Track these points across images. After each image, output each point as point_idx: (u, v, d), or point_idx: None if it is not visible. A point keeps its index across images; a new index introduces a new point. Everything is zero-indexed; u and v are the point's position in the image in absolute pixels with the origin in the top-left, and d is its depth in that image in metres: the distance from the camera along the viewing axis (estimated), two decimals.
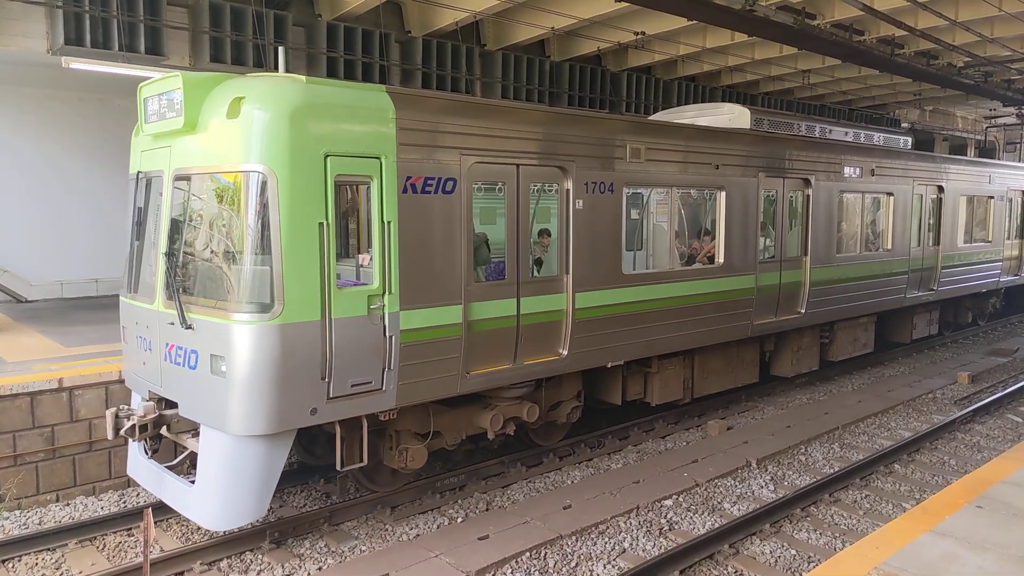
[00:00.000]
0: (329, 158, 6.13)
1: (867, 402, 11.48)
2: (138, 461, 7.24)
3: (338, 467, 6.67)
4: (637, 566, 6.13)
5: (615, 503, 7.55)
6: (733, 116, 11.17)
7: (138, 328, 7.05)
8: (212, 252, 6.56)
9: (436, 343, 6.88)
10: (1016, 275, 18.05)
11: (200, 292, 6.49)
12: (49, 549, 6.78)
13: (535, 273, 7.97)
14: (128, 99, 15.54)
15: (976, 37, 15.16)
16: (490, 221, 7.98)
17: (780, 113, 11.98)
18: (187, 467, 7.14)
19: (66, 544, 6.85)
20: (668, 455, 9.13)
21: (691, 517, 7.43)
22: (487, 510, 7.60)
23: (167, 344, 6.57)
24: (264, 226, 5.98)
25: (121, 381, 8.23)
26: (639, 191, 9.32)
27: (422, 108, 6.84)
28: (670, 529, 7.17)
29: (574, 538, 6.88)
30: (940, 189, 14.59)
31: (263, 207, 5.95)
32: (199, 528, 7.23)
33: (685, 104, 19.35)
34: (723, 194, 9.94)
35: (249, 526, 6.95)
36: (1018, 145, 33.34)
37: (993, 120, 30.76)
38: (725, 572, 6.45)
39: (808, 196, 11.36)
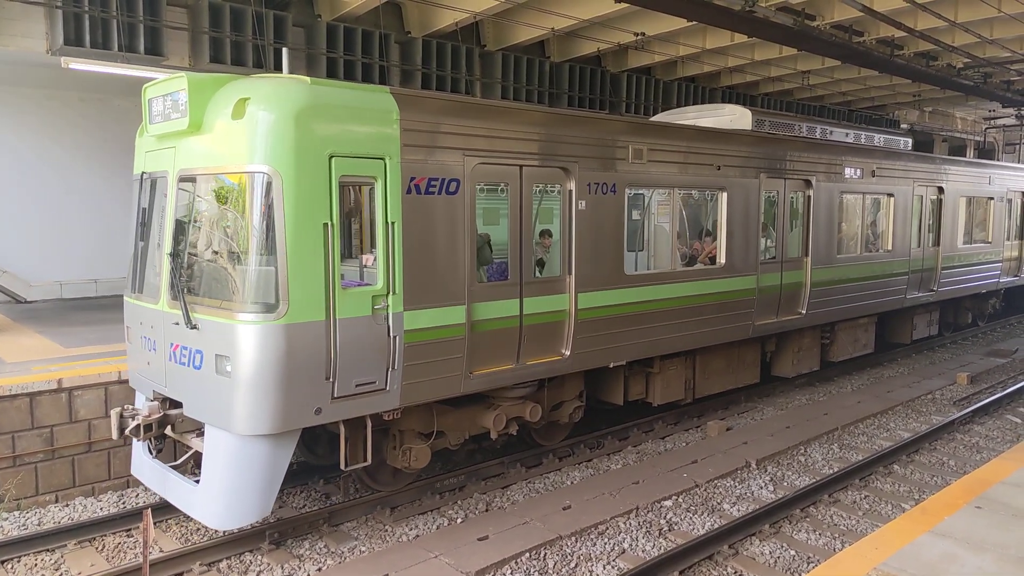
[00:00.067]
0: (333, 159, 6.15)
1: (866, 403, 11.48)
2: (142, 461, 7.26)
3: (342, 467, 6.69)
4: (637, 567, 6.13)
5: (615, 504, 7.55)
6: (734, 117, 11.20)
7: (142, 328, 7.08)
8: (217, 252, 6.58)
9: (440, 343, 6.90)
10: (1016, 276, 18.07)
11: (205, 292, 6.52)
12: (48, 550, 6.78)
13: (537, 274, 7.99)
14: (128, 99, 15.71)
15: (975, 38, 15.17)
16: (492, 222, 7.99)
17: (781, 114, 12.00)
18: (191, 467, 7.15)
19: (65, 545, 6.84)
20: (668, 456, 9.13)
21: (691, 518, 7.43)
22: (487, 511, 7.60)
23: (172, 344, 6.60)
24: (269, 226, 6.00)
25: (120, 382, 8.24)
26: (641, 192, 9.35)
27: (426, 109, 6.86)
28: (670, 530, 7.18)
29: (574, 539, 6.88)
30: (940, 190, 14.61)
31: (268, 207, 5.98)
32: (198, 529, 7.23)
33: (685, 105, 19.41)
34: (725, 195, 9.96)
35: (249, 527, 6.96)
36: (1017, 146, 33.38)
37: (992, 121, 30.79)
38: (725, 572, 6.45)
39: (809, 197, 11.37)
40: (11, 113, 14.62)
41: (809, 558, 6.66)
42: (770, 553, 6.74)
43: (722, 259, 10.01)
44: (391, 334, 6.55)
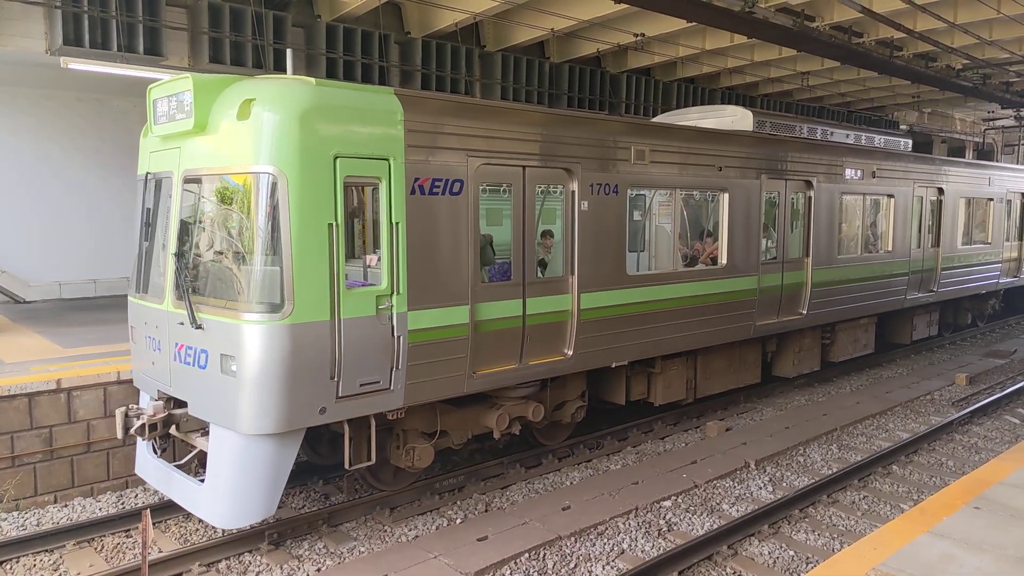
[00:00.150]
0: (338, 159, 6.17)
1: (865, 403, 11.49)
2: (146, 460, 7.28)
3: (347, 466, 6.71)
4: (636, 567, 6.13)
5: (614, 504, 7.55)
6: (736, 118, 11.23)
7: (147, 328, 7.10)
8: (222, 252, 6.61)
9: (443, 343, 6.93)
10: (1015, 276, 18.09)
11: (210, 292, 6.54)
12: (47, 550, 6.77)
13: (539, 274, 8.01)
14: (126, 99, 15.73)
15: (975, 39, 15.18)
16: (495, 222, 8.02)
17: (782, 115, 12.03)
18: (195, 466, 7.17)
19: (64, 545, 6.84)
20: (667, 456, 9.14)
21: (690, 518, 7.43)
22: (486, 511, 7.60)
23: (177, 344, 6.62)
24: (274, 227, 6.03)
25: (119, 382, 8.24)
26: (643, 192, 9.38)
27: (430, 110, 6.89)
28: (669, 530, 7.18)
29: (573, 539, 6.88)
30: (940, 191, 14.63)
31: (273, 208, 6.00)
32: (197, 529, 7.23)
33: (685, 106, 19.43)
34: (726, 196, 9.98)
35: (248, 527, 6.96)
36: (1016, 147, 33.40)
37: (991, 122, 30.80)
38: (724, 573, 6.45)
39: (810, 198, 11.40)
40: (9, 113, 14.61)
41: (808, 558, 6.67)
42: (769, 553, 6.75)
43: (723, 260, 10.03)
44: (395, 334, 6.57)
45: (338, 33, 13.41)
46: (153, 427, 6.67)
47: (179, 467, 6.92)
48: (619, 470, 8.68)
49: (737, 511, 7.59)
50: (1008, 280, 17.77)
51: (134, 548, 6.86)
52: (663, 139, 9.19)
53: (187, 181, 6.65)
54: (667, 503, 7.74)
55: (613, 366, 8.82)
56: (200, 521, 7.37)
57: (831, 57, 15.31)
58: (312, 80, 6.31)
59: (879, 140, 13.80)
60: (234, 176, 6.32)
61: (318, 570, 6.44)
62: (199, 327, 6.30)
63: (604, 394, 9.53)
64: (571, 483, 8.35)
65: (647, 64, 18.07)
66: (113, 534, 7.11)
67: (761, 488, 8.22)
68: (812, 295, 11.49)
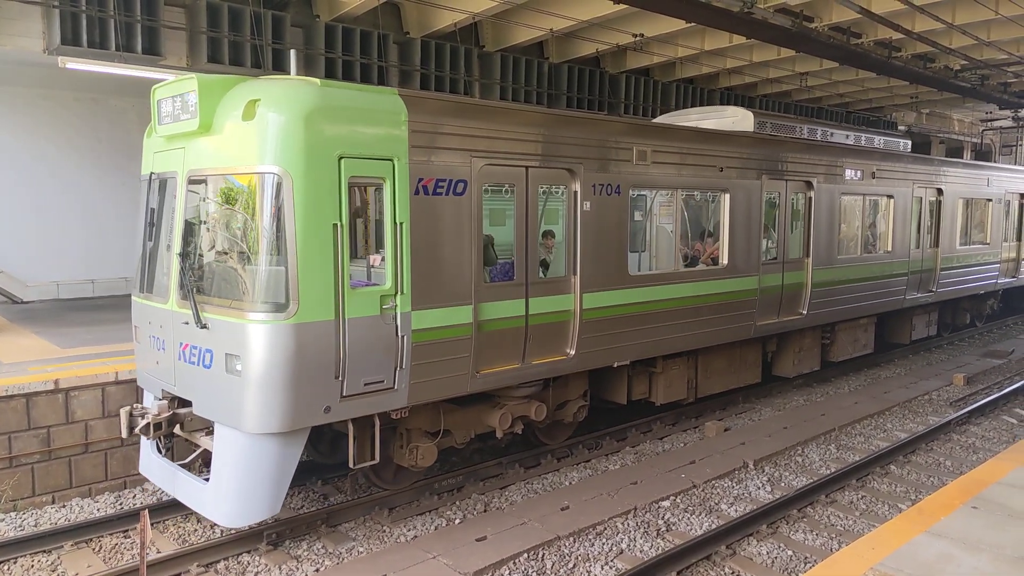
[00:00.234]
0: (343, 160, 6.20)
1: (863, 403, 11.50)
2: (151, 459, 7.31)
3: (351, 465, 6.73)
4: (635, 567, 6.14)
5: (613, 504, 7.56)
6: (736, 119, 11.27)
7: (151, 328, 7.12)
8: (227, 253, 6.63)
9: (447, 343, 6.96)
10: (1013, 277, 18.12)
11: (215, 292, 6.57)
12: (45, 551, 6.76)
13: (541, 274, 8.04)
14: (123, 99, 15.71)
15: (973, 40, 15.20)
16: (496, 223, 8.05)
17: (783, 116, 12.07)
18: (199, 465, 7.18)
19: (62, 546, 6.83)
20: (666, 456, 9.14)
21: (688, 518, 7.44)
22: (485, 511, 7.60)
23: (181, 343, 6.64)
24: (279, 227, 6.05)
25: (118, 382, 8.23)
26: (645, 193, 9.41)
27: (434, 111, 6.92)
28: (667, 530, 7.18)
29: (572, 539, 6.88)
30: (939, 192, 14.66)
31: (278, 208, 6.03)
32: (196, 530, 7.22)
33: (683, 106, 19.46)
34: (727, 196, 10.02)
35: (247, 527, 6.96)
36: (1014, 148, 33.46)
37: (989, 123, 30.85)
38: (722, 573, 6.45)
39: (810, 198, 11.44)
40: (6, 113, 14.59)
41: (806, 558, 6.67)
42: (767, 553, 6.75)
43: (724, 260, 10.06)
44: (399, 333, 6.60)
45: (337, 33, 13.40)
46: (158, 426, 6.70)
47: (183, 466, 6.95)
48: (618, 470, 8.69)
49: (736, 511, 7.60)
50: (1006, 280, 17.81)
51: (132, 549, 6.85)
52: (665, 140, 9.21)
53: (192, 181, 6.69)
54: (666, 503, 7.74)
55: (615, 366, 8.84)
56: (198, 521, 7.37)
57: (830, 58, 15.33)
58: (317, 81, 6.34)
59: (879, 141, 13.82)
60: (239, 176, 6.35)
61: (316, 570, 6.44)
62: (204, 327, 6.33)
63: (606, 393, 9.55)
64: (570, 483, 8.35)
65: (646, 64, 18.07)
66: (111, 535, 7.10)
67: (759, 488, 8.22)
68: (812, 295, 11.52)
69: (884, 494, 8.16)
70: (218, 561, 6.56)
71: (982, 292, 16.96)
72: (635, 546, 6.83)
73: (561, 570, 6.38)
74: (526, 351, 7.71)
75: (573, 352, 8.14)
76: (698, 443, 9.73)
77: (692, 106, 19.59)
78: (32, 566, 6.54)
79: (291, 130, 5.99)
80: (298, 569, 6.45)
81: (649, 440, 9.92)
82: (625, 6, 11.44)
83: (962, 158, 29.99)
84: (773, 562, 6.61)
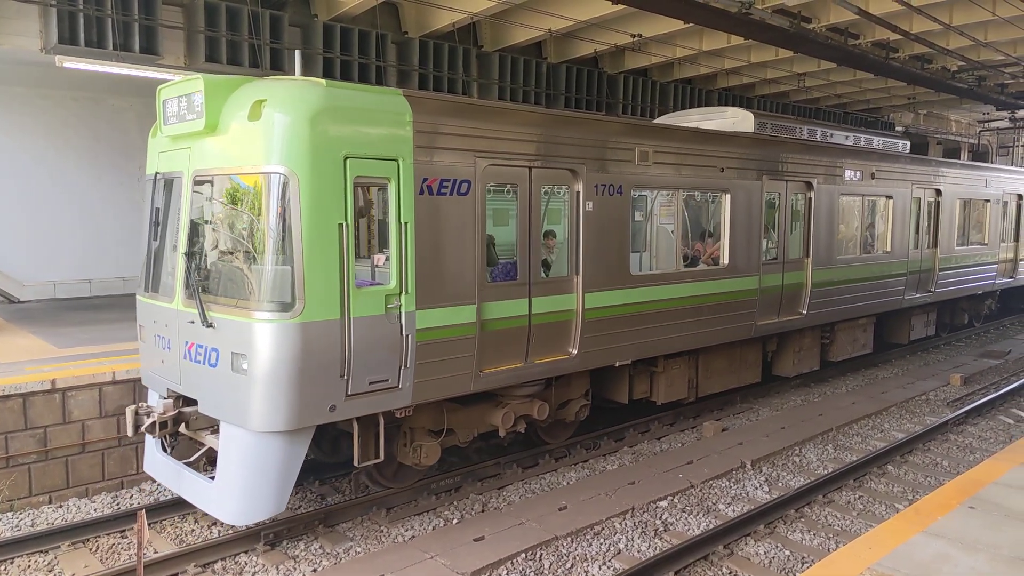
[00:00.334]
0: (348, 160, 6.23)
1: (861, 404, 11.52)
2: (155, 458, 7.33)
3: (356, 463, 6.76)
4: (632, 567, 6.14)
5: (611, 504, 7.56)
6: (737, 120, 11.31)
7: (156, 327, 7.15)
8: (232, 252, 6.66)
9: (451, 342, 6.99)
10: (1011, 277, 18.16)
11: (221, 291, 6.59)
12: (42, 551, 6.75)
13: (543, 274, 8.07)
14: (121, 99, 15.68)
15: (970, 41, 15.23)
16: (498, 223, 8.09)
17: (783, 117, 12.11)
18: (203, 464, 7.19)
19: (59, 546, 6.82)
20: (663, 456, 9.15)
21: (686, 518, 7.44)
22: (483, 511, 7.60)
23: (187, 342, 6.67)
24: (285, 227, 6.09)
25: (114, 382, 8.22)
26: (646, 193, 9.46)
27: (438, 111, 6.95)
28: (665, 530, 7.19)
29: (570, 539, 6.88)
30: (938, 192, 14.71)
31: (284, 208, 6.06)
32: (193, 530, 7.21)
33: (682, 106, 19.48)
34: (728, 197, 10.05)
35: (244, 528, 6.95)
36: (1011, 149, 33.52)
37: (986, 124, 30.91)
38: (720, 572, 6.46)
39: (810, 199, 11.48)
40: (3, 113, 14.55)
41: (804, 558, 6.68)
42: (765, 553, 6.76)
43: (725, 260, 10.10)
44: (404, 333, 6.63)
45: (335, 33, 13.40)
46: (163, 425, 6.74)
47: (188, 465, 6.98)
48: (616, 470, 8.69)
49: (733, 511, 7.60)
50: (1004, 281, 17.85)
51: (129, 549, 6.84)
52: (666, 140, 9.26)
53: (197, 181, 6.72)
54: (663, 503, 7.74)
55: (616, 365, 8.87)
56: (195, 521, 7.36)
57: (827, 59, 15.35)
58: (323, 81, 6.38)
59: (878, 142, 13.86)
60: (245, 176, 6.38)
61: (314, 571, 6.43)
62: (210, 326, 6.36)
63: (607, 393, 9.59)
64: (568, 483, 8.35)
65: (644, 65, 18.08)
66: (108, 535, 7.08)
67: (757, 488, 8.23)
68: (812, 295, 11.56)
69: (881, 494, 8.17)
70: (215, 561, 6.55)
71: (980, 292, 17.00)
72: (633, 546, 6.83)
73: (559, 570, 6.38)
74: (529, 350, 7.75)
75: (575, 351, 8.17)
76: (696, 443, 9.73)
77: (690, 106, 19.63)
78: (29, 566, 6.52)
79: (297, 130, 6.03)
80: (295, 569, 6.44)
81: (647, 440, 9.92)
82: (623, 6, 11.45)
83: (959, 159, 30.06)
84: (771, 562, 6.62)
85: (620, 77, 18.37)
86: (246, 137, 6.25)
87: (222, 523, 7.27)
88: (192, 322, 6.52)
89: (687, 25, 13.72)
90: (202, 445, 7.00)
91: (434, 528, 7.21)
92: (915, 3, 13.06)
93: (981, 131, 32.24)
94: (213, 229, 6.76)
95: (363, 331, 6.35)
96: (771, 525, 7.28)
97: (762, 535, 7.09)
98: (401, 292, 6.59)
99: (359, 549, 6.80)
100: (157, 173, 7.27)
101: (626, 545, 6.84)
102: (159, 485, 8.27)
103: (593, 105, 17.80)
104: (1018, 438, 9.30)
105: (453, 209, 6.95)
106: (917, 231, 14.17)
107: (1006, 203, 17.55)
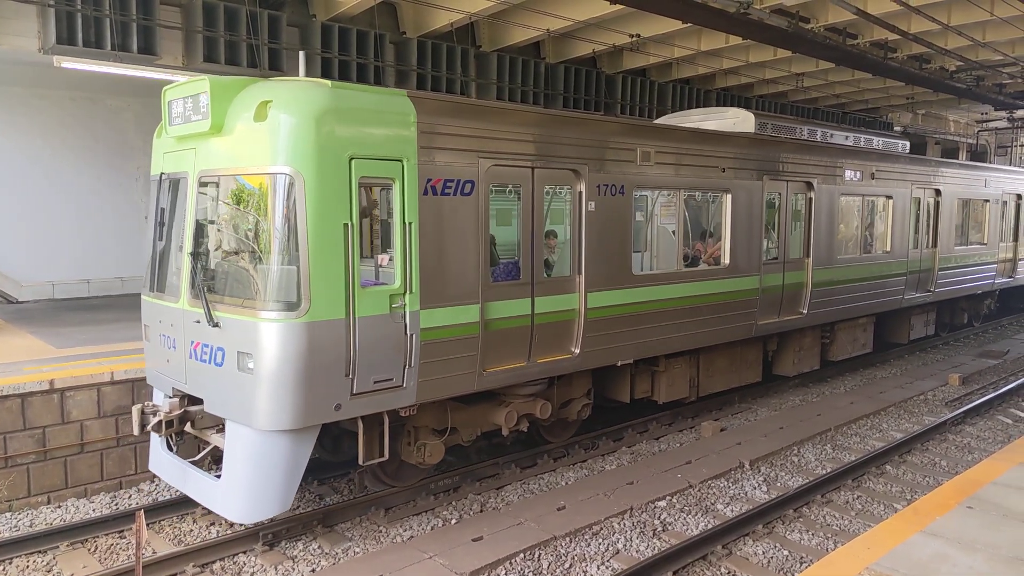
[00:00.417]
0: (353, 160, 6.27)
1: (859, 404, 11.52)
2: (161, 457, 7.37)
3: (360, 461, 6.80)
4: (631, 567, 6.14)
5: (609, 504, 7.56)
6: (738, 120, 11.36)
7: (161, 326, 7.19)
8: (238, 252, 6.70)
9: (454, 341, 7.03)
10: (1010, 277, 18.19)
11: (226, 291, 6.63)
12: (40, 551, 6.75)
13: (545, 274, 8.08)
14: (119, 99, 15.67)
15: (968, 41, 15.24)
16: (501, 223, 8.12)
17: (783, 117, 12.15)
18: (208, 462, 7.20)
19: (57, 546, 6.81)
20: (662, 456, 9.15)
21: (685, 518, 7.44)
22: (481, 511, 7.60)
23: (192, 342, 6.70)
24: (291, 227, 6.13)
25: (113, 382, 8.21)
26: (648, 193, 9.49)
27: (442, 112, 6.98)
28: (664, 530, 7.19)
29: (568, 539, 6.88)
30: (937, 192, 14.74)
31: (290, 208, 6.10)
32: (192, 530, 7.21)
33: (680, 106, 19.49)
34: (729, 197, 10.09)
35: (242, 528, 6.95)
36: (1009, 149, 33.55)
37: (985, 124, 30.93)
38: (718, 572, 6.46)
39: (810, 199, 11.52)
40: (1, 113, 14.53)
41: (802, 558, 6.69)
42: (763, 553, 6.76)
43: (726, 260, 10.14)
44: (408, 332, 6.67)
45: (333, 33, 13.38)
46: (169, 424, 6.76)
47: (193, 463, 7.01)
48: (614, 470, 8.69)
49: (732, 511, 7.60)
50: (1003, 280, 17.87)
51: (128, 549, 6.84)
52: (668, 141, 9.30)
53: (203, 182, 6.76)
54: (662, 503, 7.75)
55: (618, 364, 8.89)
56: (194, 522, 7.36)
57: (826, 59, 15.34)
58: (328, 82, 6.41)
59: (878, 142, 13.89)
60: (251, 177, 6.42)
61: (313, 571, 6.43)
62: (216, 325, 6.39)
63: (609, 392, 9.61)
64: (566, 483, 8.35)
65: (643, 65, 18.08)
66: (107, 535, 7.08)
67: (755, 488, 8.24)
68: (812, 295, 11.60)
69: (880, 494, 8.17)
70: (214, 561, 6.55)
71: (979, 292, 17.02)
72: (631, 546, 6.83)
73: (557, 570, 6.38)
74: (531, 350, 7.79)
75: (578, 351, 8.21)
76: (694, 443, 9.74)
77: (688, 106, 19.64)
78: (28, 566, 6.52)
79: (303, 131, 6.07)
80: (294, 569, 6.44)
81: (645, 440, 9.93)
82: (622, 6, 11.44)
83: (958, 159, 30.09)
84: (769, 562, 6.62)
85: (618, 77, 18.37)
86: (252, 138, 6.30)
87: (220, 523, 7.28)
88: (198, 321, 6.57)
89: (685, 25, 13.72)
90: (207, 444, 7.04)
91: (433, 528, 7.20)
92: (913, 3, 13.07)
93: (979, 131, 32.26)
94: (219, 229, 6.80)
95: (368, 330, 6.39)
96: (769, 525, 7.28)
97: (760, 535, 7.10)
98: (405, 292, 6.63)
99: (358, 549, 6.80)
100: (162, 173, 7.31)
101: (624, 545, 6.84)
102: (157, 485, 8.27)
103: (591, 105, 17.80)
104: (1016, 438, 9.32)
105: (457, 209, 6.99)
106: (917, 231, 14.20)
107: (1005, 203, 17.58)
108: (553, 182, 8.02)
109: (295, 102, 6.16)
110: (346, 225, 6.22)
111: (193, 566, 6.43)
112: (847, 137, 13.04)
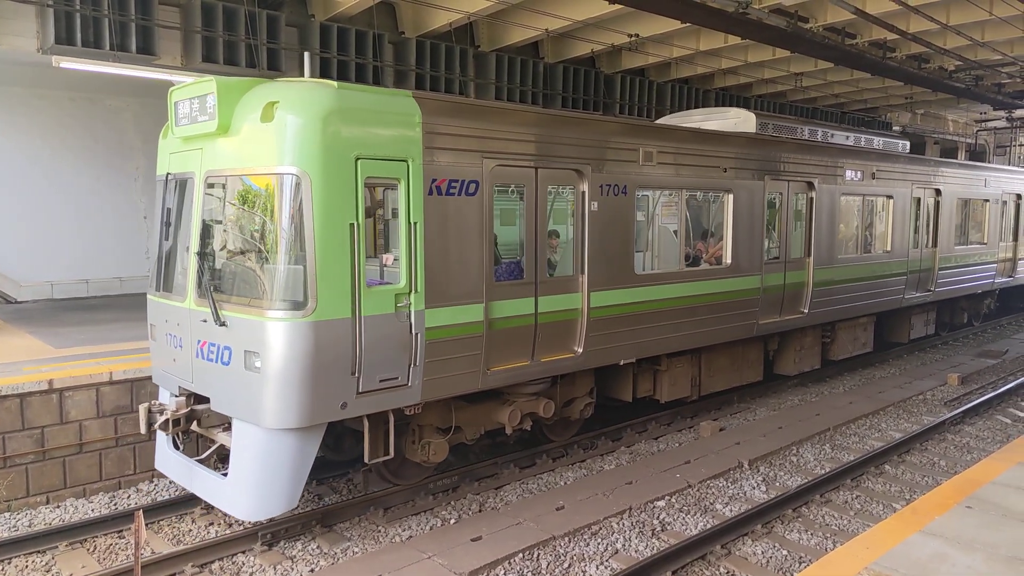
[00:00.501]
0: (359, 161, 6.31)
1: (858, 403, 11.53)
2: (167, 455, 7.40)
3: (366, 460, 6.83)
4: (630, 567, 6.14)
5: (608, 504, 7.56)
6: (739, 120, 11.40)
7: (168, 326, 7.22)
8: (245, 252, 6.73)
9: (459, 340, 7.07)
10: (1010, 277, 18.20)
11: (233, 290, 6.67)
12: (39, 551, 6.74)
13: (549, 273, 8.11)
14: (118, 99, 15.67)
15: (967, 41, 15.25)
16: (507, 222, 8.14)
17: (784, 117, 12.20)
18: (214, 461, 7.22)
19: (56, 546, 6.81)
20: (661, 456, 9.15)
21: (683, 518, 7.44)
22: (480, 511, 7.60)
23: (199, 341, 6.73)
24: (298, 226, 6.16)
25: (112, 382, 8.21)
26: (651, 193, 9.52)
27: (446, 112, 7.02)
28: (663, 530, 7.19)
29: (567, 539, 6.88)
30: (938, 192, 14.76)
31: (297, 208, 6.14)
32: (190, 530, 7.21)
33: (679, 106, 19.50)
34: (730, 196, 10.12)
35: (241, 528, 6.95)
36: (1008, 148, 33.56)
37: (983, 123, 30.93)
38: (717, 572, 6.46)
39: (811, 199, 11.55)
40: (0, 112, 14.53)
41: (801, 558, 6.69)
42: (762, 553, 6.76)
43: (728, 259, 10.17)
44: (413, 331, 6.71)
45: (332, 33, 13.38)
46: (176, 422, 6.80)
47: (199, 462, 7.03)
48: (613, 470, 8.69)
49: (730, 511, 7.61)
50: (1003, 280, 17.89)
51: (127, 549, 6.83)
52: (670, 141, 9.33)
53: (209, 181, 6.78)
54: (661, 503, 7.75)
55: (621, 363, 8.91)
56: (193, 522, 7.36)
57: (824, 58, 15.35)
58: (334, 83, 6.44)
59: (878, 142, 13.91)
60: (258, 177, 6.45)
61: (311, 571, 6.43)
62: (223, 324, 6.42)
63: (611, 391, 9.64)
64: (565, 483, 8.35)
65: (641, 65, 18.08)
66: (106, 535, 7.08)
67: (754, 488, 8.24)
68: (813, 294, 11.63)
69: (879, 494, 8.18)
70: (213, 561, 6.55)
71: (979, 292, 17.03)
72: (630, 546, 6.83)
73: (556, 570, 6.38)
74: (535, 349, 7.83)
75: (581, 350, 8.24)
76: (693, 443, 9.74)
77: (687, 106, 19.65)
78: (27, 566, 6.52)
79: (309, 132, 6.10)
80: (293, 569, 6.44)
81: (644, 440, 9.93)
82: (620, 6, 11.45)
83: (957, 158, 30.10)
84: (768, 562, 6.62)
85: (617, 77, 18.37)
86: (258, 138, 6.33)
87: (219, 523, 7.28)
88: (204, 321, 6.59)
89: (684, 25, 13.72)
90: (213, 442, 7.08)
91: (432, 528, 7.20)
92: (912, 3, 13.07)
93: (978, 131, 32.27)
94: (225, 229, 6.84)
95: (373, 330, 6.43)
96: (768, 525, 7.28)
97: (759, 535, 7.10)
98: (411, 291, 6.67)
99: (357, 549, 6.80)
100: (168, 174, 7.35)
101: (623, 545, 6.84)
102: (156, 485, 8.28)
103: (590, 105, 17.80)
104: (1015, 438, 9.32)
105: (461, 209, 7.03)
106: (917, 231, 14.22)
107: (1005, 203, 17.59)
108: (556, 182, 8.06)
109: (301, 103, 6.20)
110: (352, 225, 6.25)
111: (192, 566, 6.42)
112: (848, 137, 13.07)
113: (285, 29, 12.82)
